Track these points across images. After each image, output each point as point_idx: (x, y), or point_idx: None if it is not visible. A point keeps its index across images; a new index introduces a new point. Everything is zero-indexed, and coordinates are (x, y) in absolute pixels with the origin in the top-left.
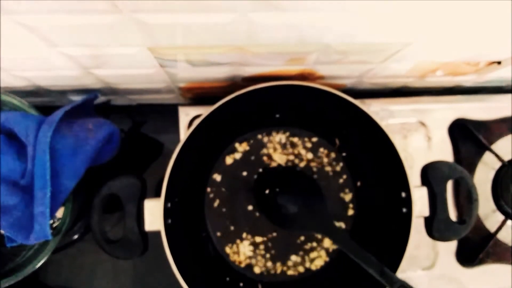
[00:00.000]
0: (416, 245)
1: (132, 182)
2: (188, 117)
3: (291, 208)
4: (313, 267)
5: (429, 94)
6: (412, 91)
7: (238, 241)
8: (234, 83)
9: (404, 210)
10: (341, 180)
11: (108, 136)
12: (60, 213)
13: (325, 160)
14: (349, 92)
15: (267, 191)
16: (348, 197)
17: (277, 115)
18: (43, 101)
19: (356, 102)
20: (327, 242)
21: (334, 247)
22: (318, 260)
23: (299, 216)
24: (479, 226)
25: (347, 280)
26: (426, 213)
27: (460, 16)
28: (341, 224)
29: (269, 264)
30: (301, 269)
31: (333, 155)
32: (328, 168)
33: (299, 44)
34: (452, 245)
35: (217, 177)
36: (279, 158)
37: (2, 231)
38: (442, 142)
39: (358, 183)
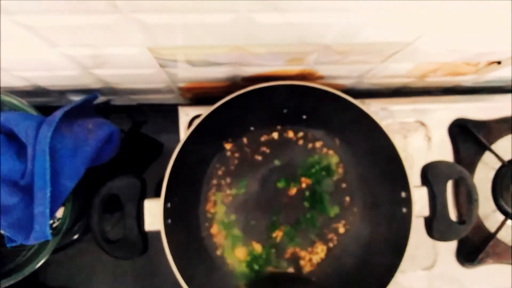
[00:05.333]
0: (416, 245)
1: (132, 182)
2: (188, 117)
3: None
4: (305, 271)
5: (429, 94)
6: (412, 91)
7: (238, 241)
8: (234, 83)
9: (404, 210)
10: (341, 179)
11: (108, 136)
12: (60, 213)
13: (325, 159)
14: (349, 92)
15: None
16: (348, 197)
17: (277, 115)
18: (43, 101)
19: (356, 102)
20: (317, 252)
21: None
22: (307, 266)
23: None
24: (479, 226)
25: None
26: (426, 213)
27: (460, 16)
28: (342, 224)
29: (267, 264)
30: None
31: (332, 154)
32: (328, 167)
33: (299, 44)
34: (452, 245)
35: (217, 177)
36: (279, 158)
37: (2, 231)
38: (442, 142)
39: (358, 183)
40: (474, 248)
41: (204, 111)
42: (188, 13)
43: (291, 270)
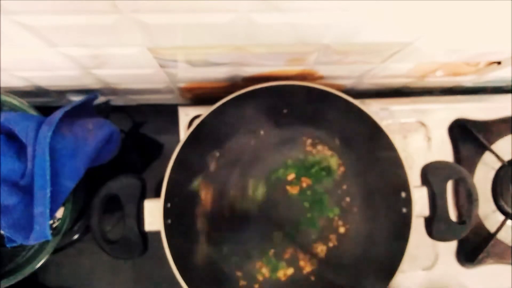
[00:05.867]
0: (416, 245)
1: (132, 182)
2: (188, 117)
3: None
4: (305, 271)
5: (429, 94)
6: (412, 91)
7: (238, 240)
8: (234, 83)
9: (404, 210)
10: (341, 180)
11: (108, 136)
12: (60, 213)
13: (325, 159)
14: (349, 92)
15: None
16: (348, 197)
17: (278, 115)
18: (43, 101)
19: (356, 102)
20: (317, 252)
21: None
22: (307, 266)
23: None
24: (479, 226)
25: None
26: (426, 213)
27: (459, 16)
28: (341, 224)
29: (266, 264)
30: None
31: (333, 155)
32: (328, 167)
33: (299, 44)
34: (452, 245)
35: (217, 176)
36: (279, 159)
37: (2, 231)
38: (442, 142)
39: (358, 183)
40: (474, 248)
41: (204, 111)
42: (188, 13)
43: (291, 270)
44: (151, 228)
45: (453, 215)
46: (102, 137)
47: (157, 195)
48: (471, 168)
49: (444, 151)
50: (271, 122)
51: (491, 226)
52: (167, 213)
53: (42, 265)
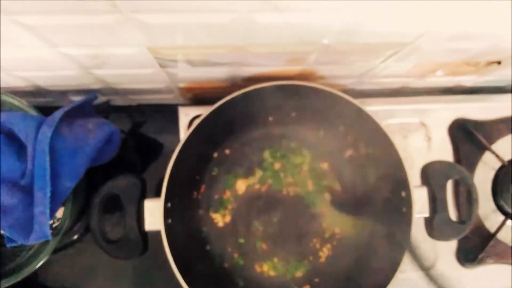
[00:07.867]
0: (416, 245)
1: (132, 182)
2: (188, 117)
3: None
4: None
5: (429, 94)
6: (412, 91)
7: (238, 241)
8: (234, 83)
9: (404, 210)
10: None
11: (108, 136)
12: (60, 213)
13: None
14: (349, 92)
15: None
16: (348, 197)
17: (278, 115)
18: (43, 101)
19: (356, 102)
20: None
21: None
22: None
23: None
24: (479, 226)
25: None
26: (426, 213)
27: (459, 16)
28: (342, 224)
29: (267, 265)
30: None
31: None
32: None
33: (299, 44)
34: (452, 245)
35: (217, 176)
36: (278, 158)
37: (2, 231)
38: (442, 142)
39: (358, 183)
40: (474, 248)
41: (204, 111)
42: (188, 13)
43: (293, 268)
44: (151, 228)
45: (453, 215)
46: (102, 137)
47: (157, 195)
48: (471, 168)
49: (444, 151)
50: (272, 122)
51: (491, 226)
52: (167, 213)
53: (42, 265)
